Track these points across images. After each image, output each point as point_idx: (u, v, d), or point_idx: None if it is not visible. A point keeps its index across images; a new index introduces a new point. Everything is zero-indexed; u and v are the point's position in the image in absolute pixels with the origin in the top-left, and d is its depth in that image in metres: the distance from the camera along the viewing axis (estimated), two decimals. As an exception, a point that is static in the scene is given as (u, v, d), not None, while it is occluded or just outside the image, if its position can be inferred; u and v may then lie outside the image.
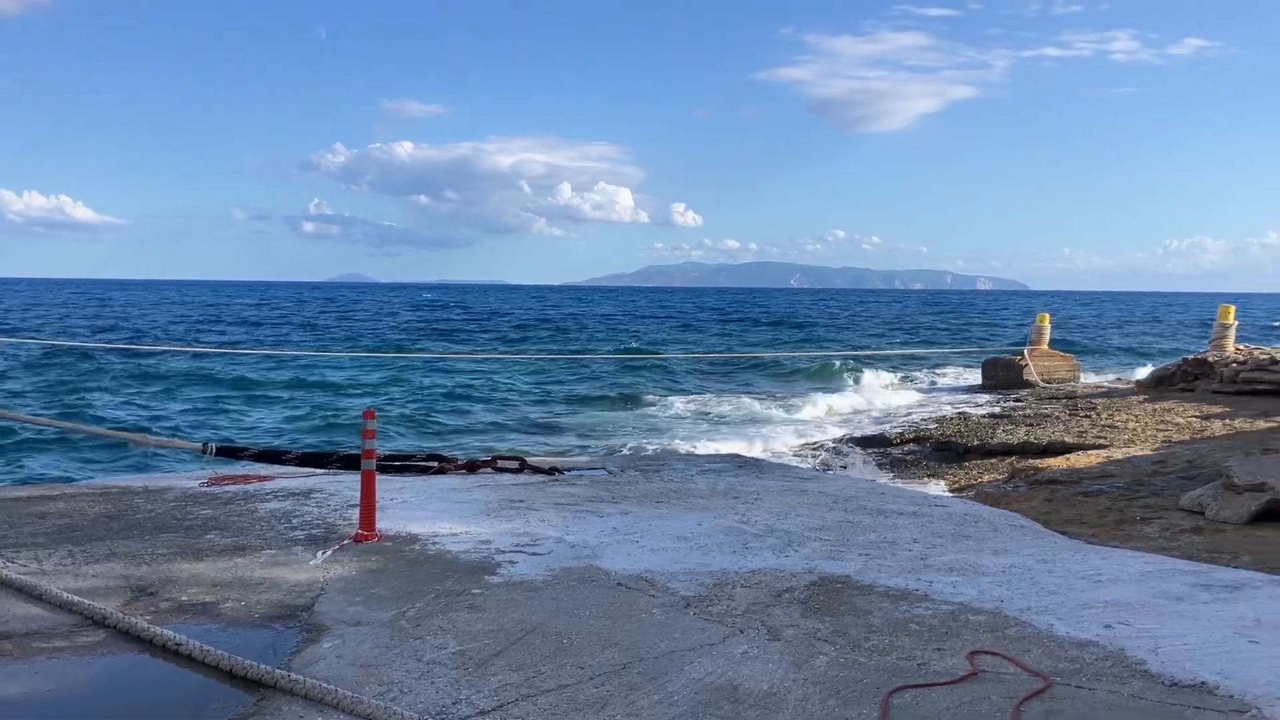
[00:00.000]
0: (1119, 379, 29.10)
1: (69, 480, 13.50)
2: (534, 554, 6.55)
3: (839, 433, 21.74)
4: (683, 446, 20.37)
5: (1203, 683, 4.38)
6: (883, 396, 29.70)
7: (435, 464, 9.95)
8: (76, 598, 5.27)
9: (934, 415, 22.31)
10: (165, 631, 4.77)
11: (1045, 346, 29.66)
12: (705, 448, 19.12)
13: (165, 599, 5.50)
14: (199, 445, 9.62)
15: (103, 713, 4.18)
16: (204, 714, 4.04)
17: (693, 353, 49.05)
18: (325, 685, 4.18)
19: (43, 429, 20.09)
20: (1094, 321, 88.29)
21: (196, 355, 38.44)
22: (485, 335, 64.03)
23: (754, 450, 18.04)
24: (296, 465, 9.83)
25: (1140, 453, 13.94)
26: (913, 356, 41.23)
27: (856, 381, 33.55)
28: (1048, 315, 30.64)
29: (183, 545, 6.61)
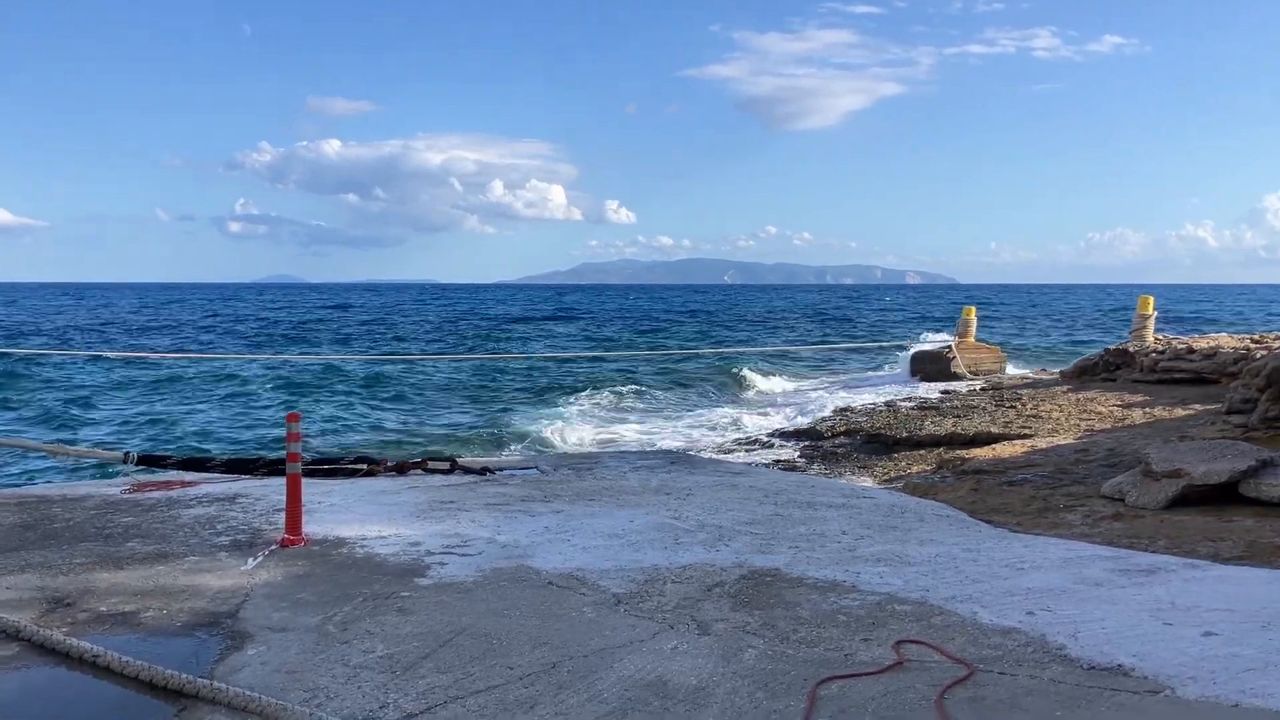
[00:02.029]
0: (1043, 370, 29.74)
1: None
2: (464, 555, 6.50)
3: (771, 427, 21.92)
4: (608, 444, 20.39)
5: (1119, 665, 4.49)
6: (812, 391, 30.03)
7: (364, 466, 9.83)
8: (-11, 611, 5.11)
9: (864, 408, 22.59)
10: (82, 643, 4.65)
11: (972, 339, 30.23)
12: (636, 445, 19.16)
13: (83, 609, 5.36)
14: (120, 455, 9.40)
15: (16, 728, 4.07)
16: (122, 726, 3.95)
17: (632, 351, 49.12)
18: (249, 693, 4.11)
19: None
20: (1020, 313, 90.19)
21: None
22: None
23: (686, 445, 18.12)
24: (222, 472, 9.65)
25: (1064, 442, 14.26)
26: (842, 349, 41.72)
27: (786, 376, 33.86)
28: (974, 308, 31.22)
29: (102, 554, 6.45)
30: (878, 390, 28.43)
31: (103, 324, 73.26)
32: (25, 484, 15.15)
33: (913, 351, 32.23)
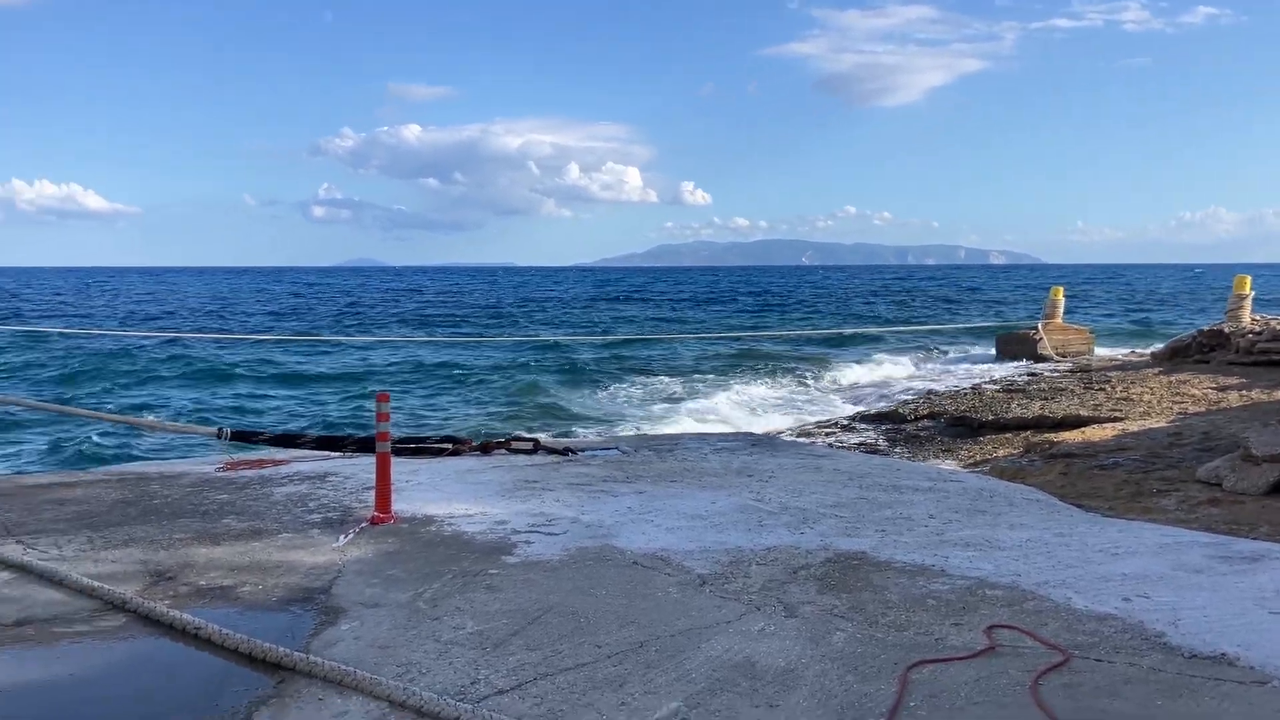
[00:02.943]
0: (1134, 352, 28.99)
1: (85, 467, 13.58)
2: (549, 534, 6.56)
3: (853, 410, 21.71)
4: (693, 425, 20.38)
5: (1223, 654, 4.36)
6: (896, 373, 29.67)
7: (450, 445, 9.96)
8: (96, 583, 5.30)
9: (948, 390, 22.25)
10: (185, 615, 4.80)
11: (1059, 320, 29.55)
12: (718, 427, 19.12)
13: (184, 583, 5.53)
14: (214, 430, 9.64)
15: (125, 696, 4.21)
16: (224, 696, 4.06)
17: (705, 332, 49.02)
18: (344, 667, 4.19)
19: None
20: (1108, 294, 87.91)
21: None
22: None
23: (767, 428, 18.04)
24: (312, 449, 9.86)
25: (1156, 425, 13.88)
26: (925, 331, 41.11)
27: (869, 358, 33.48)
28: (1061, 288, 30.50)
29: (200, 530, 6.64)
30: (962, 372, 27.98)
31: (235, 311, 74.77)
32: (125, 462, 15.68)
33: (998, 334, 31.64)
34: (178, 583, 5.53)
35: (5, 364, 33.62)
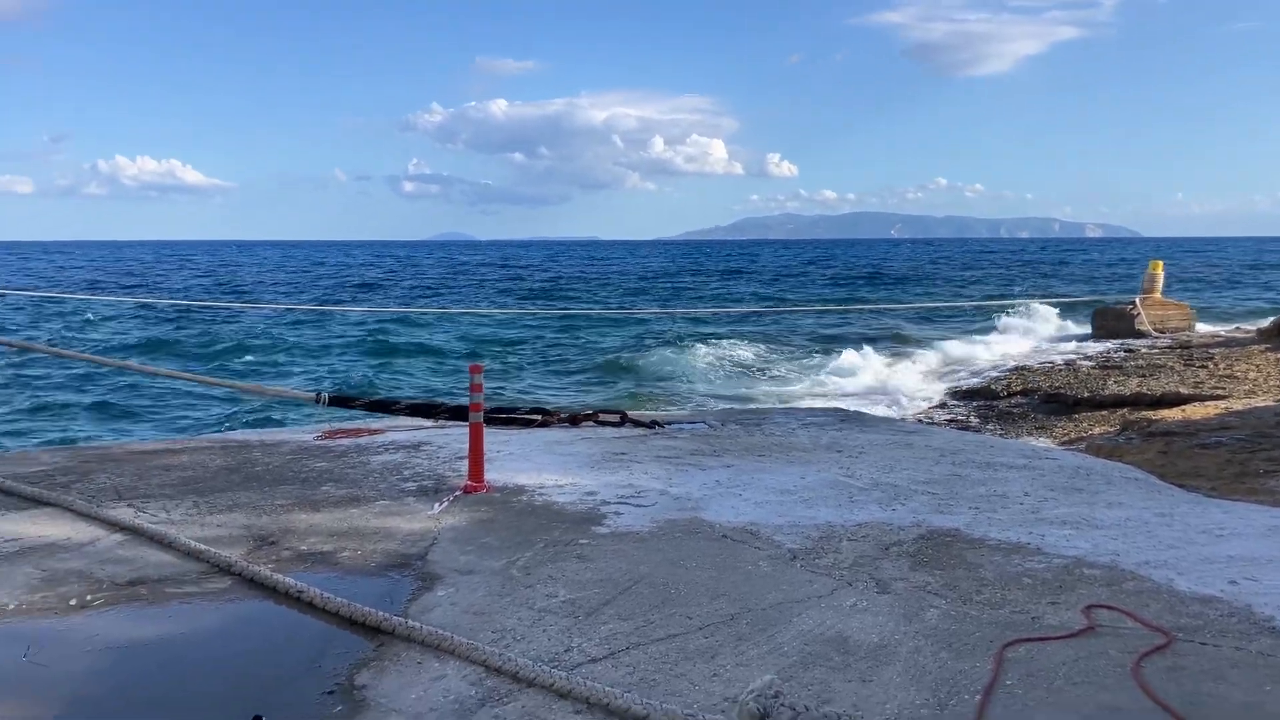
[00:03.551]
0: (1238, 328, 28.01)
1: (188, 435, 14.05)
2: (638, 505, 6.60)
3: (943, 386, 21.39)
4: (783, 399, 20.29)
5: (1335, 640, 4.22)
6: (986, 348, 29.12)
7: (539, 417, 10.07)
8: (203, 546, 5.49)
9: (1041, 367, 21.78)
10: (287, 579, 4.95)
11: (1158, 295, 28.67)
12: (805, 401, 19.00)
13: (285, 548, 5.70)
14: (313, 395, 9.87)
15: (232, 656, 4.36)
16: (326, 659, 4.18)
17: (802, 306, 48.66)
18: (441, 632, 4.29)
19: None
20: (1210, 268, 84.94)
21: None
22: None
23: (857, 404, 17.87)
24: (406, 415, 10.05)
25: (1262, 404, 13.41)
26: (1017, 306, 40.24)
27: (960, 334, 32.91)
28: (1160, 262, 29.58)
29: (300, 496, 6.83)
30: (1055, 349, 27.35)
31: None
32: (226, 429, 16.18)
33: (1094, 309, 30.83)
34: (280, 547, 5.71)
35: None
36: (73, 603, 4.79)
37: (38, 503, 6.57)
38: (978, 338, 31.68)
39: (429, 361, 29.93)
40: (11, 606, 4.73)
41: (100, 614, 4.68)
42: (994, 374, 21.72)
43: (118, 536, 5.86)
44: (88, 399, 22.90)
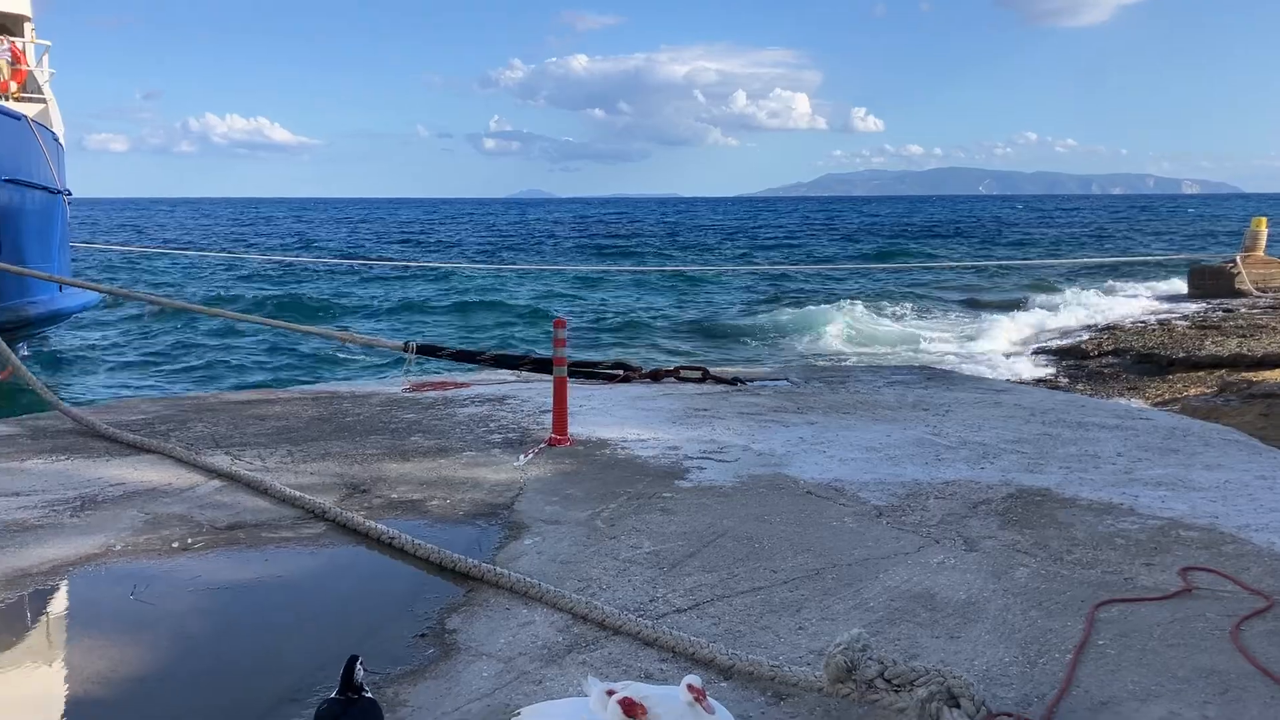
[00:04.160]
0: (1346, 288, 26.87)
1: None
2: (721, 461, 6.61)
3: (1032, 345, 20.96)
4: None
5: None
6: (1076, 307, 28.42)
7: (621, 372, 10.11)
8: (298, 493, 5.64)
9: (1134, 326, 21.21)
10: (379, 525, 5.06)
11: (1260, 253, 27.63)
12: (889, 360, 18.79)
13: (376, 496, 5.83)
14: (401, 344, 10.02)
15: (328, 598, 4.49)
16: (418, 603, 4.28)
17: (869, 265, 48.03)
18: (529, 579, 4.35)
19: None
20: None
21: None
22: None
23: (944, 362, 17.61)
24: (491, 365, 10.18)
25: (1370, 366, 12.91)
26: (1108, 264, 39.16)
27: (1049, 292, 32.17)
28: (1264, 219, 28.47)
29: (390, 446, 6.97)
30: (1149, 308, 26.59)
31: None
32: (318, 382, 16.58)
33: (1191, 267, 29.87)
34: (371, 495, 5.84)
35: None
36: (175, 545, 4.97)
37: (140, 449, 6.81)
38: (1066, 296, 30.92)
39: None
40: (119, 547, 4.92)
41: (201, 556, 4.84)
42: (1084, 334, 21.21)
43: (216, 482, 6.05)
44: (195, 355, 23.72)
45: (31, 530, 5.14)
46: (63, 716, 3.43)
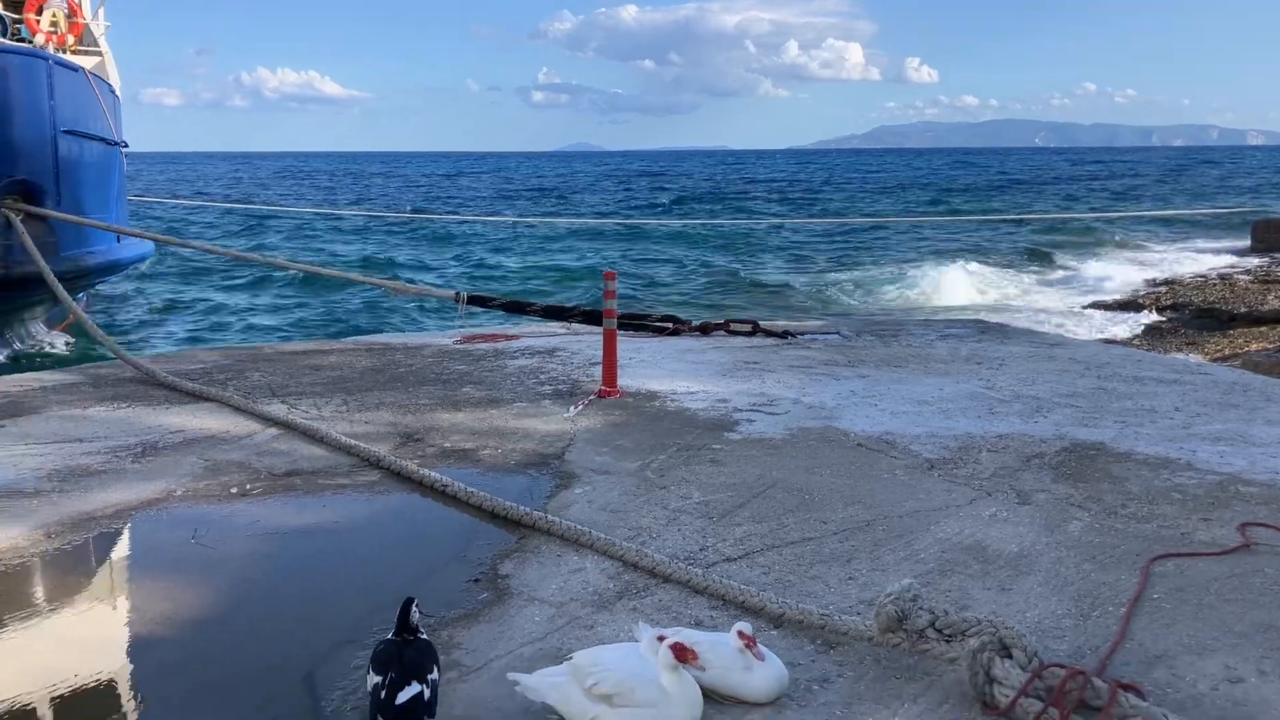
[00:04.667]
0: None
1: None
2: (771, 413, 6.60)
3: (1089, 298, 20.63)
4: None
5: None
6: (1133, 261, 27.88)
7: (670, 325, 10.11)
8: (353, 441, 5.72)
9: (1193, 280, 20.78)
10: (433, 474, 5.13)
11: (1328, 205, 26.87)
12: (946, 313, 18.59)
13: (429, 445, 5.90)
14: (452, 294, 10.08)
15: (383, 542, 4.57)
16: (471, 548, 4.34)
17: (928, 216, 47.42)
18: (580, 527, 4.39)
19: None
20: (1387, 178, 79.08)
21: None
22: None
23: (998, 315, 17.40)
24: (540, 315, 10.21)
25: None
26: (1167, 218, 38.31)
27: (1106, 245, 31.57)
28: (1333, 170, 27.64)
29: (442, 397, 7.04)
30: (1208, 262, 26.02)
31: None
32: (372, 333, 16.76)
33: (1253, 221, 29.13)
34: (424, 444, 5.91)
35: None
36: (234, 490, 5.07)
37: (198, 398, 6.94)
38: (1124, 251, 30.34)
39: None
40: (179, 493, 5.04)
41: (259, 501, 4.94)
42: (1142, 288, 20.82)
43: (273, 430, 6.16)
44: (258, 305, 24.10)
45: (95, 475, 5.27)
46: (129, 655, 3.53)
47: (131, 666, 3.45)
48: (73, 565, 4.27)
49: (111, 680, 3.35)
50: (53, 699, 3.19)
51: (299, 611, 3.85)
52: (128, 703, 3.23)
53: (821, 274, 29.16)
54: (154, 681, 3.34)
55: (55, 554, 4.32)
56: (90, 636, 3.70)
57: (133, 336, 20.03)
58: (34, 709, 3.13)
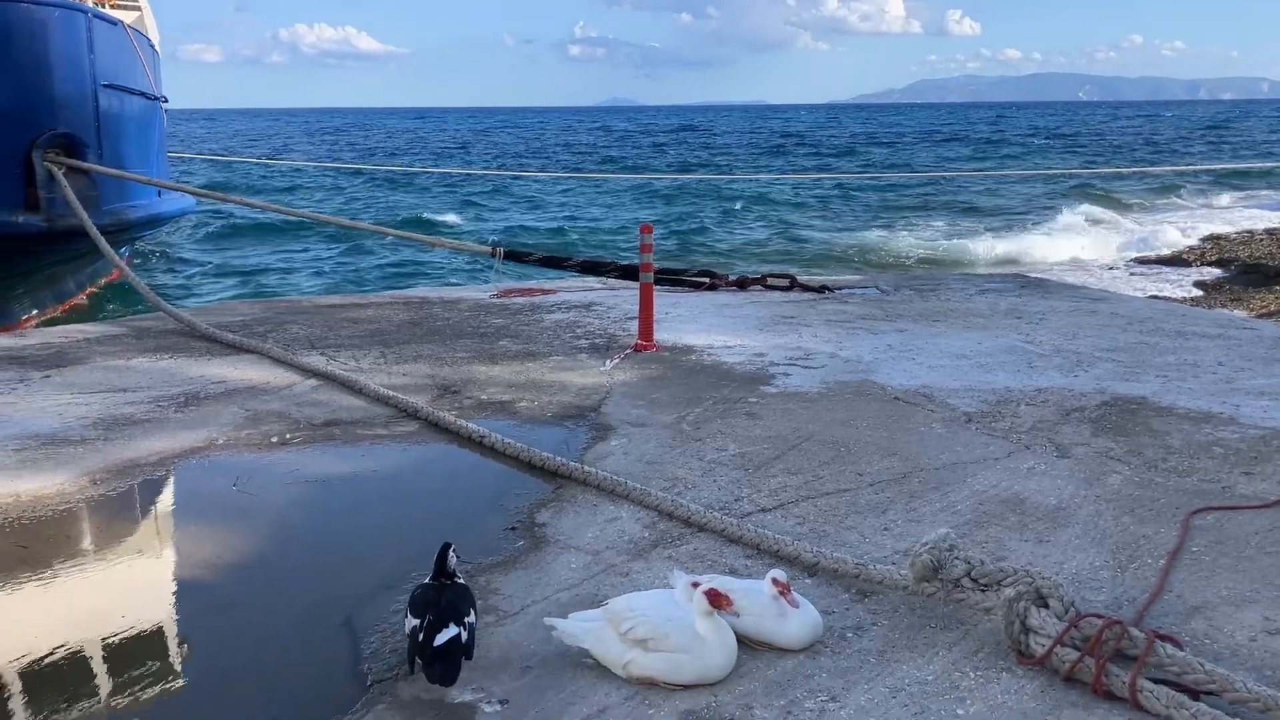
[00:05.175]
0: None
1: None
2: (807, 367, 6.58)
3: (1131, 253, 20.32)
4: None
5: None
6: (1177, 216, 27.39)
7: (707, 279, 10.07)
8: (391, 392, 5.77)
9: (1239, 236, 20.39)
10: (470, 424, 5.16)
11: (1382, 159, 26.20)
12: (983, 267, 18.40)
13: (467, 397, 5.94)
14: (489, 248, 10.08)
15: (422, 491, 4.63)
16: (508, 498, 4.37)
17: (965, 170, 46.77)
18: (616, 478, 4.41)
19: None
20: None
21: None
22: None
23: (1037, 270, 17.19)
24: (577, 271, 10.21)
25: None
26: (1213, 173, 37.52)
27: (1148, 200, 31.02)
28: (1388, 123, 26.92)
29: (479, 350, 7.08)
30: (1255, 217, 25.50)
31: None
32: (408, 287, 16.84)
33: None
34: (461, 396, 5.95)
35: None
36: (274, 440, 5.14)
37: (239, 349, 7.02)
38: (1168, 204, 29.80)
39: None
40: (221, 441, 5.11)
41: (299, 451, 5.00)
42: (1187, 243, 20.46)
43: (312, 381, 6.23)
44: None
45: (139, 424, 5.36)
46: (173, 598, 3.61)
47: (176, 609, 3.53)
48: (118, 511, 4.36)
49: (158, 622, 3.43)
50: (102, 641, 3.27)
51: (338, 557, 3.91)
52: (173, 644, 3.30)
53: (863, 230, 28.90)
54: (198, 623, 3.42)
55: (101, 500, 4.40)
56: (136, 580, 3.79)
57: (171, 290, 20.25)
58: (83, 651, 3.21)
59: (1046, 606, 2.99)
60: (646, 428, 5.33)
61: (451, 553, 2.96)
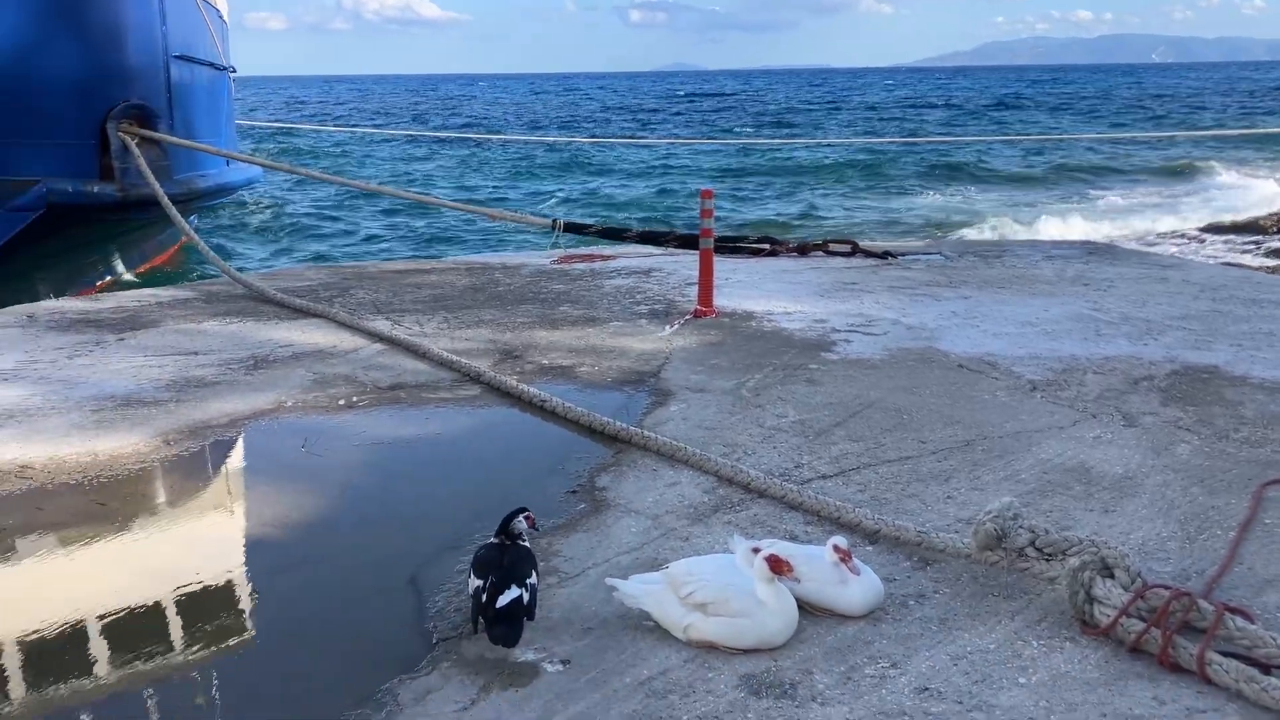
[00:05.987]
0: None
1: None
2: (869, 334, 6.53)
3: (1203, 219, 19.79)
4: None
5: None
6: (1253, 181, 26.60)
7: (767, 245, 10.01)
8: (454, 357, 5.84)
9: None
10: (532, 389, 5.21)
11: None
12: (1052, 234, 18.06)
13: (528, 361, 5.99)
14: (549, 221, 10.13)
15: (484, 454, 4.69)
16: (569, 461, 4.41)
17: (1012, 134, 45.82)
18: (676, 443, 4.43)
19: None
20: None
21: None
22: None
23: (1106, 236, 16.84)
24: (636, 242, 10.21)
25: None
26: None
27: (1222, 166, 30.16)
28: None
29: (540, 315, 7.13)
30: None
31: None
32: (470, 253, 16.97)
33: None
34: (523, 360, 6.00)
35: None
36: (341, 403, 5.23)
37: (306, 314, 7.14)
38: (1244, 171, 28.96)
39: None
40: (289, 403, 5.21)
41: (366, 413, 5.09)
42: (1263, 209, 19.88)
43: (377, 346, 6.32)
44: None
45: (210, 386, 5.49)
46: (245, 555, 3.71)
47: (247, 565, 3.63)
48: (190, 470, 4.48)
49: (229, 578, 3.53)
50: (176, 595, 3.37)
51: (404, 517, 3.98)
52: (245, 599, 3.40)
53: (926, 193, 28.48)
54: (268, 579, 3.51)
55: (174, 460, 4.53)
56: (208, 537, 3.90)
57: (240, 255, 20.59)
58: (160, 604, 3.31)
59: (1112, 576, 2.96)
60: (706, 393, 5.34)
61: (521, 519, 2.99)
